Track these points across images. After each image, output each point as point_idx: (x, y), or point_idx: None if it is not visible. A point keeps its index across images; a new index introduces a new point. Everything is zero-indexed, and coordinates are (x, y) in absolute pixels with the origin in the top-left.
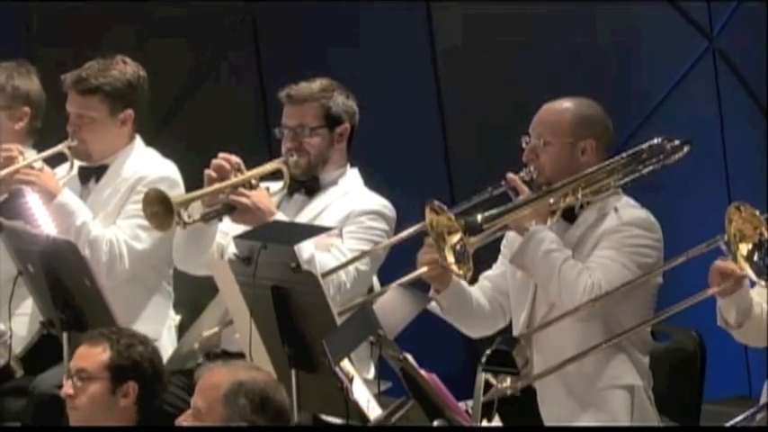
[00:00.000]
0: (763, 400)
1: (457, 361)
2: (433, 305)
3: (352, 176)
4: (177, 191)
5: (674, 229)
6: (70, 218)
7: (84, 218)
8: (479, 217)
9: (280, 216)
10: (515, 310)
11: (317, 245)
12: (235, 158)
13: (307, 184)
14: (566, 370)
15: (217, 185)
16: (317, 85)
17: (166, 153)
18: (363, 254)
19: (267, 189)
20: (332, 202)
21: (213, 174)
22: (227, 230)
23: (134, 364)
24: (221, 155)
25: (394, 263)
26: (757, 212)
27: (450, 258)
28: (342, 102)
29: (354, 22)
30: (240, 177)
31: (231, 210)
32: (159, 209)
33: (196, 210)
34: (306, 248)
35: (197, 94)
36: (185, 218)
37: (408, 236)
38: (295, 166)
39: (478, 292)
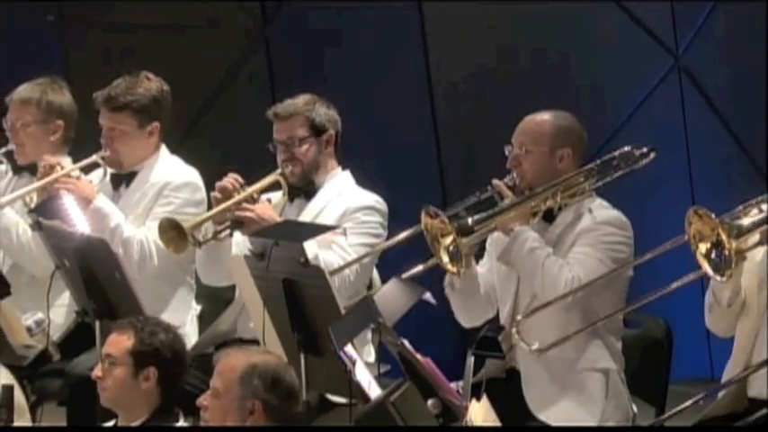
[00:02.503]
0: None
1: (449, 346)
2: (427, 296)
3: (344, 178)
4: (199, 194)
5: (643, 231)
6: (105, 220)
7: (118, 220)
8: (470, 220)
9: None
10: (501, 302)
11: (320, 241)
12: (236, 177)
13: (304, 189)
14: (547, 355)
15: (223, 205)
16: (299, 100)
17: (189, 160)
18: (366, 254)
19: (269, 200)
20: (328, 203)
21: (219, 195)
22: (240, 241)
23: (154, 351)
24: (225, 178)
25: (393, 260)
26: (713, 215)
27: (445, 258)
28: (324, 112)
29: (355, 41)
30: (243, 194)
31: (239, 224)
32: (174, 234)
33: (209, 229)
34: (309, 248)
35: (216, 108)
36: (199, 238)
37: (405, 238)
38: (291, 174)
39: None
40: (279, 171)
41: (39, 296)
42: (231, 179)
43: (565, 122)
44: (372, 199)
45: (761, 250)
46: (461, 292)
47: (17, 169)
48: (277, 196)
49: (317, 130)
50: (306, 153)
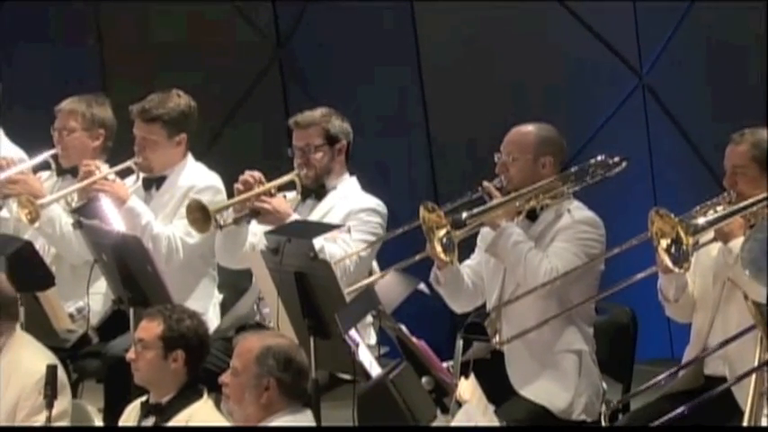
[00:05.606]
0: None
1: (441, 331)
2: (422, 287)
3: (351, 183)
4: (221, 196)
5: (611, 229)
6: (137, 218)
7: (148, 218)
8: (464, 214)
9: (295, 217)
10: (488, 290)
11: (327, 236)
12: (257, 173)
13: (316, 191)
14: (528, 338)
15: (244, 195)
16: (317, 112)
17: (212, 166)
18: (368, 245)
19: (284, 197)
20: (335, 204)
21: (240, 186)
22: (256, 231)
23: (181, 336)
24: (247, 172)
25: (390, 253)
26: (672, 215)
27: (438, 248)
28: (338, 124)
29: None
30: (262, 188)
31: (256, 214)
32: (200, 215)
33: (229, 215)
34: (316, 240)
35: (236, 120)
36: (221, 222)
37: (404, 231)
38: (305, 177)
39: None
40: (295, 172)
41: (77, 284)
42: (253, 174)
43: (547, 133)
44: (374, 202)
45: (716, 247)
46: (446, 286)
47: (60, 171)
48: (291, 195)
49: (331, 140)
50: (319, 159)
